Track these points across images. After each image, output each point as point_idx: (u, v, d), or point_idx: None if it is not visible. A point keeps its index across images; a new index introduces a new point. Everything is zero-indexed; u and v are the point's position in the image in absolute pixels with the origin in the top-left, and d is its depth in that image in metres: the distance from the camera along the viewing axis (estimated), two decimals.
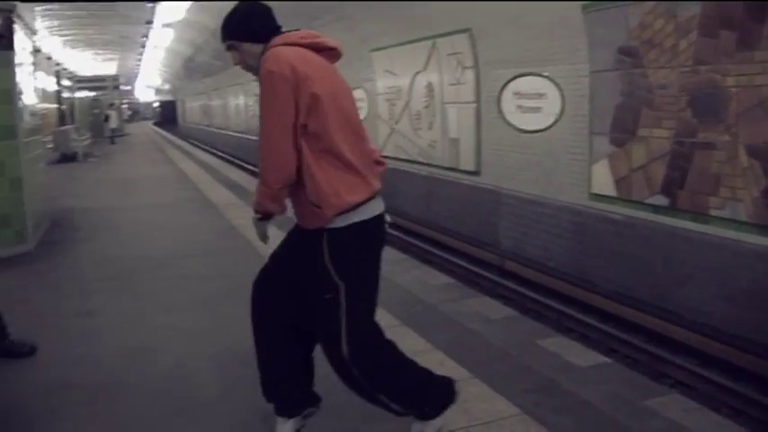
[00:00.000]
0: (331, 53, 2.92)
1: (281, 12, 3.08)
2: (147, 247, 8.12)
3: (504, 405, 3.41)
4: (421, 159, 13.46)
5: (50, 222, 9.64)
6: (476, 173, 11.50)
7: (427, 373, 3.04)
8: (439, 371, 3.75)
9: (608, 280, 8.36)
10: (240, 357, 4.28)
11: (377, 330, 2.96)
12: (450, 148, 12.24)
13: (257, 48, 2.86)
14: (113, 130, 31.59)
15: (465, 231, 11.71)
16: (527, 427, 3.17)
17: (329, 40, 2.93)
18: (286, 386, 3.12)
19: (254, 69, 2.91)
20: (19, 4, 7.79)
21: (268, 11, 2.95)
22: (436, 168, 12.86)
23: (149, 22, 23.95)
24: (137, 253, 7.76)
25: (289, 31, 2.89)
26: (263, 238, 3.03)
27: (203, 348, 4.53)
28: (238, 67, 2.95)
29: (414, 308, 5.09)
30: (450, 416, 3.25)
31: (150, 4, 20.64)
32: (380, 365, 2.91)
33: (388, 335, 4.23)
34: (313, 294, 2.89)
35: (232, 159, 27.87)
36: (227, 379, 3.99)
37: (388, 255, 7.16)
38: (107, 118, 32.01)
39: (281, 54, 2.70)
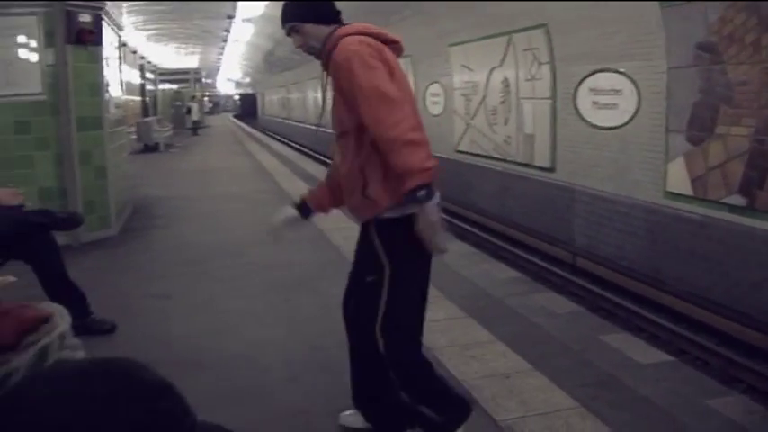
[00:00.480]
0: (395, 46, 2.92)
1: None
2: (223, 235, 8.41)
3: (561, 397, 3.46)
4: (496, 155, 13.43)
5: (132, 209, 10.05)
6: (550, 169, 11.43)
7: (446, 385, 3.00)
8: (500, 362, 3.86)
9: (681, 280, 8.22)
10: (307, 343, 4.47)
11: (413, 329, 2.92)
12: (525, 144, 12.19)
13: (322, 30, 2.88)
14: (195, 122, 32.44)
15: (538, 228, 11.66)
16: (582, 420, 3.22)
17: (391, 33, 2.93)
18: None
19: (316, 52, 2.94)
20: (108, 3, 8.15)
21: None
22: (511, 164, 12.83)
23: (231, 17, 24.45)
24: (213, 240, 8.06)
25: (349, 24, 2.92)
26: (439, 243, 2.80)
27: (272, 333, 4.72)
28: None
29: (480, 301, 5.17)
30: (507, 404, 3.33)
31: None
32: (407, 358, 2.90)
33: (453, 326, 4.35)
34: (361, 281, 2.93)
35: (309, 152, 28.24)
36: (293, 364, 4.15)
37: (459, 248, 7.27)
38: (189, 110, 32.89)
39: (357, 40, 2.73)
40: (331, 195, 3.21)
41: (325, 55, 2.86)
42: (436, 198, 2.67)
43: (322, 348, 4.37)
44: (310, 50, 2.98)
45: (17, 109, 7.45)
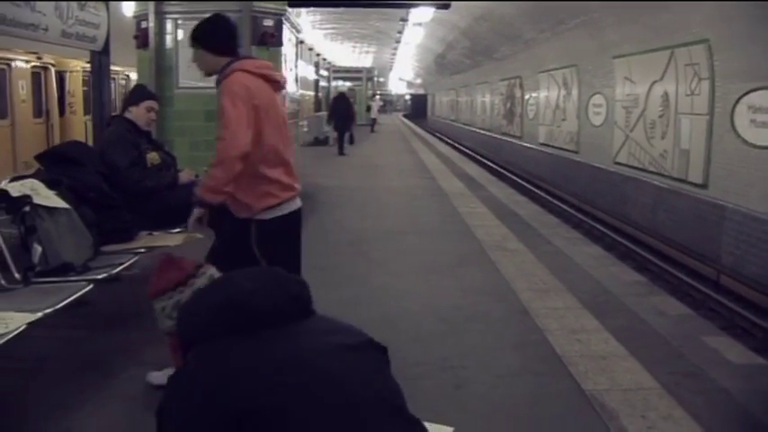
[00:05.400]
0: (276, 84, 3.71)
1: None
2: (380, 222, 9.30)
3: (647, 379, 3.91)
4: (651, 168, 13.49)
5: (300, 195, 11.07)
6: (703, 186, 11.43)
7: None
8: (601, 346, 4.38)
9: None
10: (436, 315, 5.15)
11: None
12: (681, 159, 12.21)
13: (214, 58, 3.66)
14: (373, 120, 33.92)
15: (686, 243, 11.68)
16: (659, 399, 3.66)
17: (276, 73, 3.75)
18: None
19: (206, 72, 3.74)
20: (289, 10, 9.23)
21: (234, 31, 3.78)
22: (666, 179, 12.86)
23: (404, 20, 25.43)
24: (370, 226, 8.97)
25: (246, 58, 3.83)
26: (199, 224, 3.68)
27: (407, 305, 5.45)
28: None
29: (599, 296, 5.63)
30: (597, 378, 3.85)
31: None
32: None
33: (567, 314, 4.95)
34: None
35: (472, 154, 28.79)
36: (421, 330, 4.83)
37: (593, 251, 7.69)
38: (369, 108, 34.46)
39: (241, 77, 3.50)
40: None
41: (220, 79, 3.60)
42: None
43: (447, 320, 5.05)
44: (201, 68, 3.78)
45: (207, 99, 8.57)
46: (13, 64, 12.08)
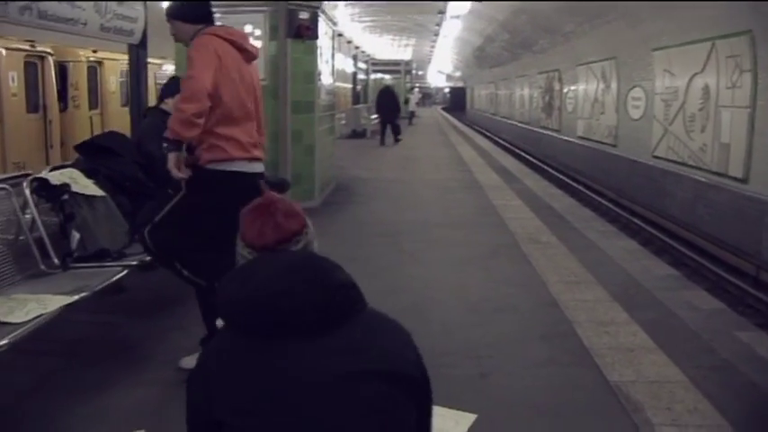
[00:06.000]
0: (246, 54, 3.97)
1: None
2: (415, 214, 9.34)
3: (674, 372, 3.90)
4: (690, 162, 13.29)
5: (335, 186, 11.21)
6: (743, 180, 11.24)
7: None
8: (629, 339, 4.38)
9: None
10: (465, 305, 5.19)
11: (178, 246, 3.88)
12: (721, 153, 12.02)
13: (187, 27, 3.92)
14: (411, 113, 33.93)
15: (725, 238, 11.51)
16: (686, 392, 3.65)
17: (246, 43, 4.00)
18: None
19: (182, 42, 4.02)
20: (324, 3, 9.31)
21: (205, 5, 4.05)
22: (705, 173, 12.67)
23: (442, 12, 25.36)
24: (404, 218, 9.02)
25: (221, 26, 4.08)
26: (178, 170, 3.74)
27: (438, 295, 5.50)
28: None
29: (630, 289, 5.60)
30: (623, 370, 3.85)
31: None
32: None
33: (597, 306, 4.96)
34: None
35: (511, 148, 28.63)
36: (450, 321, 4.87)
37: (626, 244, 7.64)
38: (407, 101, 34.49)
39: (211, 39, 3.77)
40: None
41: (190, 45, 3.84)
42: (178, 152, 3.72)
43: (476, 311, 5.09)
44: (177, 40, 4.10)
45: None
46: (0, 52, 10.62)
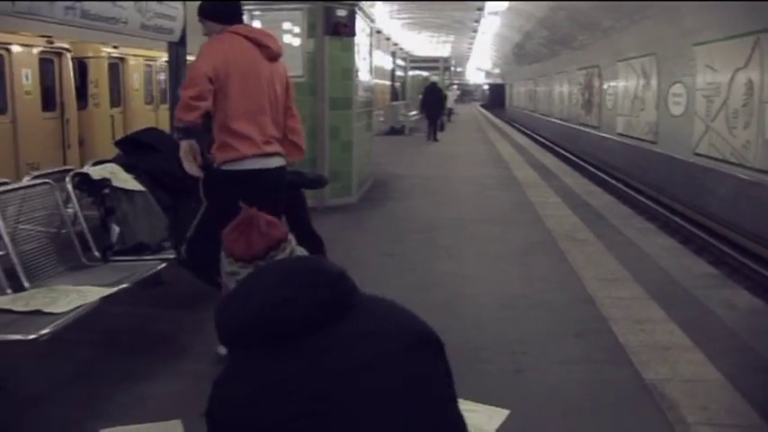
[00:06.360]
0: (267, 50, 4.05)
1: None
2: (451, 210, 9.37)
3: (710, 371, 3.85)
4: (733, 160, 13.09)
5: (373, 182, 11.24)
6: None
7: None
8: (665, 337, 4.34)
9: None
10: (500, 301, 5.21)
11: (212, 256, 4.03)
12: (765, 149, 11.81)
13: (215, 26, 4.05)
14: (449, 110, 33.84)
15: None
16: (722, 390, 3.61)
17: (268, 40, 4.09)
18: None
19: None
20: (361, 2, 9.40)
21: (233, 4, 4.20)
22: (748, 170, 12.47)
23: (480, 9, 25.28)
24: (440, 214, 9.05)
25: (244, 25, 4.23)
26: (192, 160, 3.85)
27: (472, 291, 5.51)
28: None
29: (667, 287, 5.54)
30: (658, 369, 3.82)
31: None
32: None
33: (633, 304, 4.93)
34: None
35: (550, 145, 28.39)
36: (484, 317, 4.88)
37: (664, 242, 7.57)
38: (446, 98, 34.40)
39: (225, 36, 3.94)
40: None
41: None
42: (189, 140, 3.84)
43: (511, 307, 5.08)
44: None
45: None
46: (12, 49, 10.05)
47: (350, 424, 1.55)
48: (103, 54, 12.70)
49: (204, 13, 4.12)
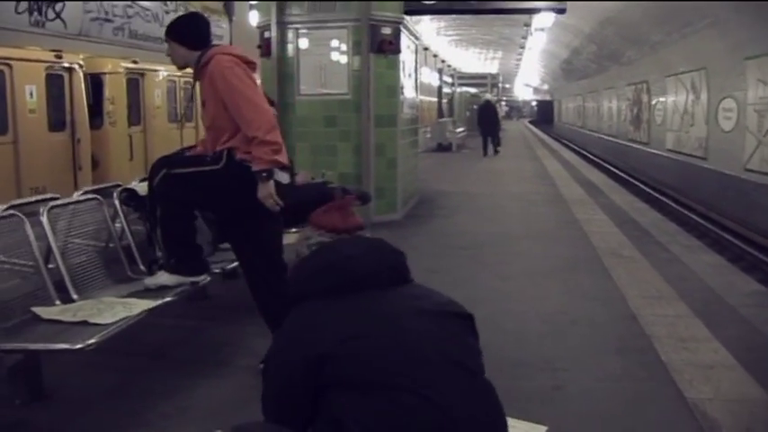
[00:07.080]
0: (252, 65, 3.92)
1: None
2: (497, 227, 9.37)
3: (755, 390, 3.79)
4: None
5: (418, 199, 11.29)
6: None
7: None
8: (709, 356, 4.29)
9: None
10: (541, 317, 5.20)
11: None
12: None
13: (185, 51, 3.88)
14: None
15: None
16: (767, 411, 3.56)
17: (249, 56, 3.93)
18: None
19: (176, 64, 4.05)
20: (407, 18, 9.44)
21: (206, 28, 4.02)
22: None
23: (527, 25, 25.27)
24: (486, 231, 9.05)
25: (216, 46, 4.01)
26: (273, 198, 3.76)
27: (514, 307, 5.53)
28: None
29: (711, 305, 5.47)
30: (701, 387, 3.78)
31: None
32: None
33: (678, 322, 4.88)
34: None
35: (599, 162, 28.09)
36: (525, 332, 4.87)
37: (711, 259, 7.46)
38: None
39: (229, 59, 3.74)
40: None
41: (200, 67, 3.82)
42: (274, 176, 3.76)
43: (552, 323, 5.07)
44: (173, 61, 4.04)
45: (327, 105, 8.96)
46: (14, 65, 9.38)
47: (398, 345, 1.94)
48: (121, 69, 11.79)
49: (175, 36, 3.94)
